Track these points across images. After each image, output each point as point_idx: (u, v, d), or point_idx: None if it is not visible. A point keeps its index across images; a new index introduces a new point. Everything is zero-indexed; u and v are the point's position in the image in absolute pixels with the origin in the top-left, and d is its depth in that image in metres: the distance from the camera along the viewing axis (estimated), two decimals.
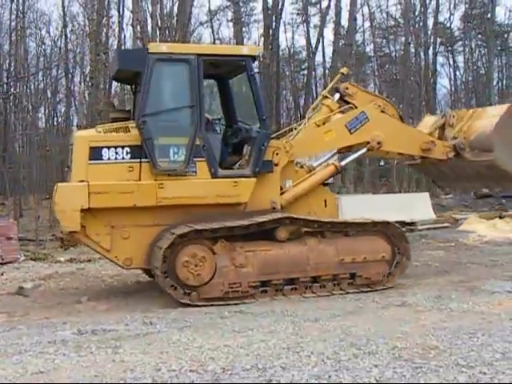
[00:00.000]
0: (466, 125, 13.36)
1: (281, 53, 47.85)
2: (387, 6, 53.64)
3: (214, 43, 47.42)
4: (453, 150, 13.06)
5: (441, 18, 51.68)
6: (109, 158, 10.45)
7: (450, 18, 54.20)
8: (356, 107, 12.77)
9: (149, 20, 30.84)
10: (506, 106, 13.52)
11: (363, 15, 51.31)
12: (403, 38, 46.58)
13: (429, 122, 14.40)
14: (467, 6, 52.85)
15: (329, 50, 43.13)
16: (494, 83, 53.57)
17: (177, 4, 32.59)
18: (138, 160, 10.57)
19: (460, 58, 58.31)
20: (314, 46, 47.19)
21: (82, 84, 35.91)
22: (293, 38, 62.50)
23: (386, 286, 11.22)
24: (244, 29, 48.15)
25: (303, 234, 11.27)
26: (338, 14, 35.67)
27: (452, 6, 53.34)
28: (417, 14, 46.83)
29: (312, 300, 10.38)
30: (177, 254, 10.25)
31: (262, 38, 39.04)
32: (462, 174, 13.91)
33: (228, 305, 10.18)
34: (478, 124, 13.23)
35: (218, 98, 13.65)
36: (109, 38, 34.67)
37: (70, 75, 40.77)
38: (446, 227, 22.20)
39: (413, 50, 45.18)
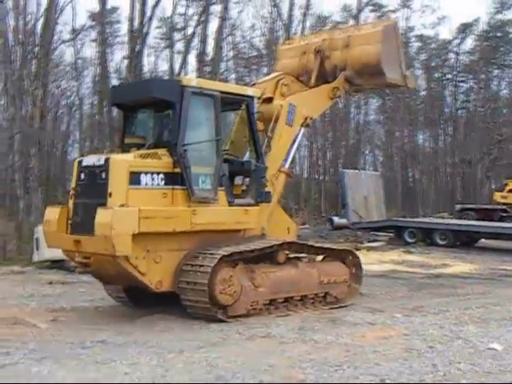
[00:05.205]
0: (342, 54, 14.83)
1: (143, 77, 47.50)
2: (251, 38, 54.38)
3: (75, 62, 46.74)
4: (348, 84, 14.96)
5: None
6: (146, 184, 10.77)
7: None
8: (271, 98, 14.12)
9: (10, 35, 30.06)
10: (379, 27, 14.90)
11: (227, 44, 51.84)
12: (266, 69, 47.35)
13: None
14: None
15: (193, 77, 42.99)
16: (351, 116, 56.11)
17: (41, 20, 31.78)
18: (171, 186, 11.05)
19: None
20: (176, 71, 47.12)
21: None
22: (155, 62, 61.75)
23: (346, 304, 12.76)
24: (107, 50, 47.25)
25: (291, 258, 12.55)
26: (203, 40, 35.86)
27: None
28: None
29: (176, 331, 10.21)
30: (215, 275, 10.72)
31: (126, 61, 38.57)
32: None
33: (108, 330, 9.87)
34: (358, 52, 14.62)
35: None
36: None
37: None
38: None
39: None
